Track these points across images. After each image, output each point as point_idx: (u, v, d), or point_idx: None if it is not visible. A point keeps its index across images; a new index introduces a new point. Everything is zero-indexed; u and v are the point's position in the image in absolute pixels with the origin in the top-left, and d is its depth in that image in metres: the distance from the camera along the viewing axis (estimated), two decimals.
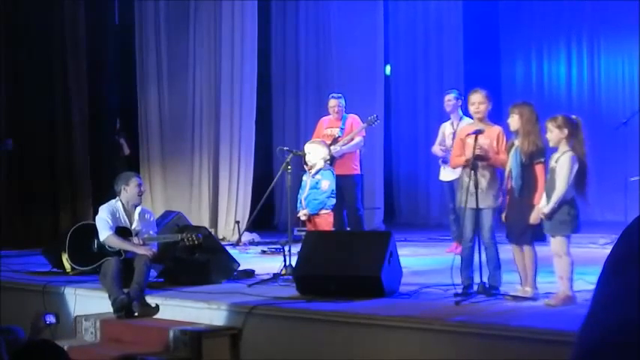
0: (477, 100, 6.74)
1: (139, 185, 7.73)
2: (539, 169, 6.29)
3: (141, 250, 7.34)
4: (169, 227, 8.62)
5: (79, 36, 11.42)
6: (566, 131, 6.06)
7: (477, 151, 6.50)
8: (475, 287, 6.51)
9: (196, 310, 6.79)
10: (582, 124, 6.19)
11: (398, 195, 14.46)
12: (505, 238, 6.58)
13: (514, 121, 6.36)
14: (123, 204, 7.62)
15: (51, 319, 5.75)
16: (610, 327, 0.94)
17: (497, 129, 6.65)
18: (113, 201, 7.66)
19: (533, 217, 6.18)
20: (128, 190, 7.61)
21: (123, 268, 7.18)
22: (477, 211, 6.55)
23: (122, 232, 7.53)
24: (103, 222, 7.52)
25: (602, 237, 9.42)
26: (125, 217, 7.61)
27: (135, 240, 7.43)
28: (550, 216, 6.07)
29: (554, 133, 6.10)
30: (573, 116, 6.25)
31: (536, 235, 6.30)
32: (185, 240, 7.49)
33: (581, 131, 6.14)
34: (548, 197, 6.11)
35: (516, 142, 6.36)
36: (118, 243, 7.46)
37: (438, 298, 6.52)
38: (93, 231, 7.65)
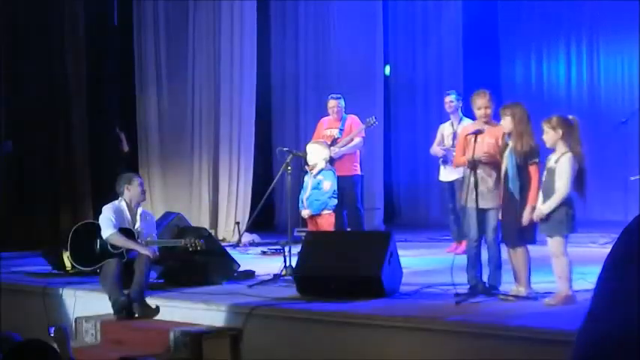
0: (484, 105, 6.72)
1: (141, 184, 7.76)
2: (533, 169, 6.29)
3: (144, 250, 7.33)
4: (170, 228, 8.61)
5: (79, 37, 11.42)
6: (560, 132, 6.05)
7: (483, 158, 6.49)
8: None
9: (197, 311, 6.79)
10: (580, 123, 6.18)
11: (398, 195, 14.46)
12: (502, 239, 6.58)
13: (506, 122, 6.36)
14: (127, 203, 7.63)
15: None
16: (610, 326, 0.94)
17: (501, 128, 6.63)
18: (117, 201, 7.67)
19: (525, 218, 6.18)
20: (131, 190, 7.62)
21: (123, 270, 7.18)
22: (482, 211, 6.54)
23: (125, 233, 7.52)
24: (107, 220, 7.52)
25: (602, 236, 9.41)
26: (129, 216, 7.62)
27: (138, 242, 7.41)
28: (547, 216, 6.07)
29: (549, 135, 6.10)
30: (570, 116, 6.24)
31: (526, 236, 6.29)
32: (188, 245, 7.46)
33: (578, 131, 6.13)
34: (546, 197, 6.10)
35: (510, 143, 6.36)
36: (121, 241, 7.45)
37: (439, 298, 6.52)
38: (95, 231, 7.62)
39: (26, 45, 11.15)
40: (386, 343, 5.82)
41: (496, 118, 6.80)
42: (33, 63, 11.18)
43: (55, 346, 4.78)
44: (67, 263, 8.06)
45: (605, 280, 1.01)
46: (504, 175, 6.40)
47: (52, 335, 5.36)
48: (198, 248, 7.47)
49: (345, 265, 6.76)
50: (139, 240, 7.45)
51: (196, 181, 12.07)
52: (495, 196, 6.54)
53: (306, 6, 13.45)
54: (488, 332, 5.45)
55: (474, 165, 6.51)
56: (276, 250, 9.66)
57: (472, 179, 6.53)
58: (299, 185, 8.71)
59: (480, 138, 6.57)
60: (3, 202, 10.93)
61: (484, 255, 6.59)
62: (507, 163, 6.35)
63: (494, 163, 6.55)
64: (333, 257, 6.86)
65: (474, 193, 6.51)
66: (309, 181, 8.50)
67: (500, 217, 6.48)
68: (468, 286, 6.53)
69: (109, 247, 7.48)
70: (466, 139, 6.78)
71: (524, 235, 6.28)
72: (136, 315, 6.93)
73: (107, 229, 7.48)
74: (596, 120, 12.34)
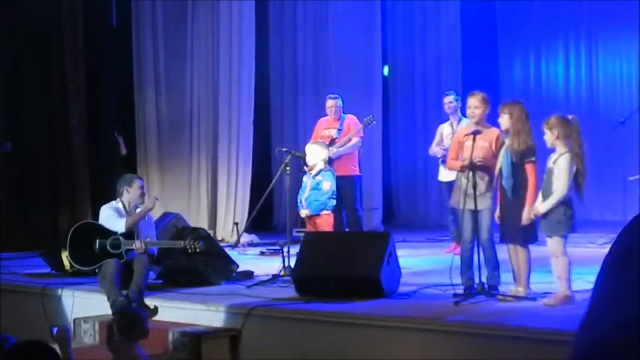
0: (473, 105, 6.71)
1: (142, 187, 7.76)
2: (529, 168, 6.29)
3: (150, 205, 7.63)
4: (168, 229, 8.60)
5: (77, 38, 11.43)
6: (556, 132, 6.04)
7: (478, 161, 6.48)
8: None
9: (195, 312, 6.79)
10: (579, 123, 6.18)
11: (397, 195, 14.45)
12: (500, 239, 6.57)
13: (504, 120, 6.35)
14: (124, 205, 7.62)
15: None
16: (609, 326, 0.94)
17: (495, 131, 6.62)
18: (114, 202, 7.67)
19: (525, 218, 6.18)
20: (131, 192, 7.62)
21: (122, 270, 7.17)
22: (476, 213, 6.54)
23: (124, 235, 7.50)
24: (111, 217, 7.52)
25: (600, 236, 9.41)
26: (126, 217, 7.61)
27: (137, 243, 7.39)
28: (546, 216, 6.06)
29: (547, 135, 6.10)
30: (570, 116, 6.23)
31: (527, 236, 6.29)
32: (187, 247, 7.45)
33: (578, 131, 6.12)
34: (545, 198, 6.10)
35: (507, 142, 6.36)
36: (134, 218, 7.50)
37: (437, 298, 6.52)
38: (95, 231, 7.59)
39: (25, 46, 11.15)
40: (385, 343, 5.82)
41: (496, 118, 6.81)
42: (32, 63, 11.18)
43: (56, 346, 4.77)
44: (66, 263, 8.05)
45: (603, 280, 1.01)
46: (499, 173, 6.39)
47: (54, 336, 5.35)
48: (197, 250, 7.46)
49: (344, 265, 6.76)
50: (137, 241, 7.43)
51: (195, 182, 12.06)
52: (487, 197, 6.54)
53: (304, 6, 13.44)
54: (487, 332, 5.45)
55: (471, 167, 6.50)
56: (274, 250, 9.66)
57: (466, 181, 6.52)
58: (298, 185, 8.70)
59: (475, 140, 6.56)
60: (3, 202, 10.93)
61: (481, 256, 6.58)
62: (502, 161, 6.34)
63: (487, 167, 6.55)
64: (331, 258, 6.85)
65: (469, 195, 6.50)
66: (307, 181, 8.49)
67: (497, 217, 6.48)
68: (462, 287, 6.53)
69: (107, 247, 7.46)
70: (460, 142, 6.76)
71: (526, 234, 6.27)
72: None
73: (119, 222, 7.48)
74: (594, 120, 12.33)
